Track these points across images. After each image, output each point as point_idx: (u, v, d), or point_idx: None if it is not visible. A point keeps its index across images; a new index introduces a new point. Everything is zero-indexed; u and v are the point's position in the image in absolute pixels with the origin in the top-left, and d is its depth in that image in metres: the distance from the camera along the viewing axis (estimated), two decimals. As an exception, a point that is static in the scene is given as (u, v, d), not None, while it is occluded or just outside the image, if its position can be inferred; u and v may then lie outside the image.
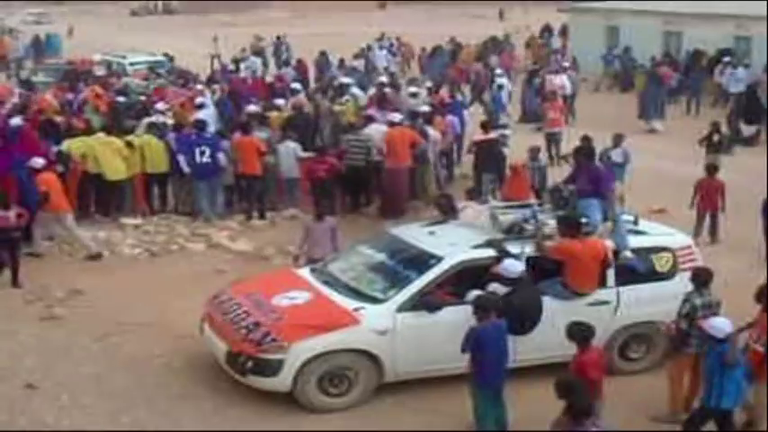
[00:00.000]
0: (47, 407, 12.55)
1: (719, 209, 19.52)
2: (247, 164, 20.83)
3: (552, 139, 26.72)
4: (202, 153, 20.53)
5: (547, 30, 53.44)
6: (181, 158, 20.75)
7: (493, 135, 22.19)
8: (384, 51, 47.64)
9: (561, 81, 33.35)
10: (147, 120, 22.99)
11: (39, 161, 18.48)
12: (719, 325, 10.91)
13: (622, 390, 12.35)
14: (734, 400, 10.95)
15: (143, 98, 27.73)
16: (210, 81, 33.22)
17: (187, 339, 14.23)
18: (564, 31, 52.86)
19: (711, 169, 19.99)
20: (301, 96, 27.13)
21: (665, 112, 33.26)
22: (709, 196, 19.46)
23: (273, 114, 24.14)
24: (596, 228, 13.75)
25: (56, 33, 60.62)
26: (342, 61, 41.33)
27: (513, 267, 12.56)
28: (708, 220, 19.57)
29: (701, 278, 12.09)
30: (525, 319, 12.48)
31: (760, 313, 11.75)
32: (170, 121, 22.92)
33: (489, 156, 21.46)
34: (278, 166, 21.31)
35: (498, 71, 35.83)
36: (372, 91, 27.87)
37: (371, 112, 23.49)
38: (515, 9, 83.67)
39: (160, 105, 24.71)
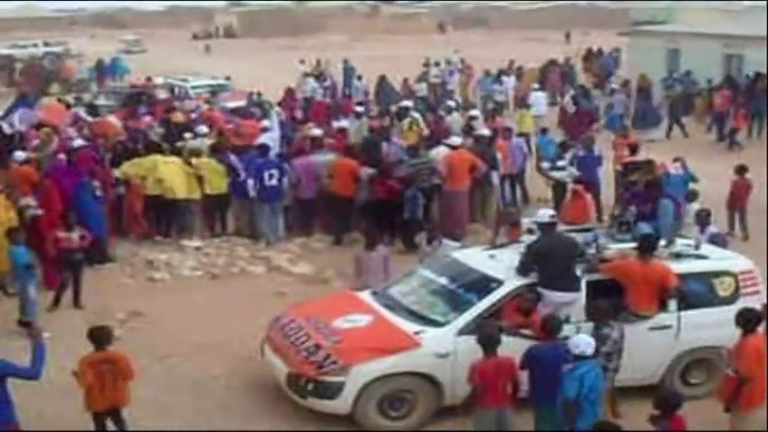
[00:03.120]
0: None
1: None
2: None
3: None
4: (271, 176, 20.65)
5: (590, 54, 53.08)
6: (249, 182, 20.76)
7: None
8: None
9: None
10: (191, 143, 23.26)
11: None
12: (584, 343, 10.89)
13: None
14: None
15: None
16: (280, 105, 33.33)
17: (247, 361, 14.29)
18: (600, 53, 52.65)
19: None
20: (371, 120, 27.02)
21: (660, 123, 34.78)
22: None
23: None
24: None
25: (119, 57, 61.21)
26: (405, 81, 41.62)
27: (545, 214, 13.56)
28: None
29: None
30: (551, 263, 12.84)
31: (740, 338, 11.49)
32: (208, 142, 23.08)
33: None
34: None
35: (534, 86, 36.67)
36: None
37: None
38: (575, 33, 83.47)
39: (202, 129, 24.77)
